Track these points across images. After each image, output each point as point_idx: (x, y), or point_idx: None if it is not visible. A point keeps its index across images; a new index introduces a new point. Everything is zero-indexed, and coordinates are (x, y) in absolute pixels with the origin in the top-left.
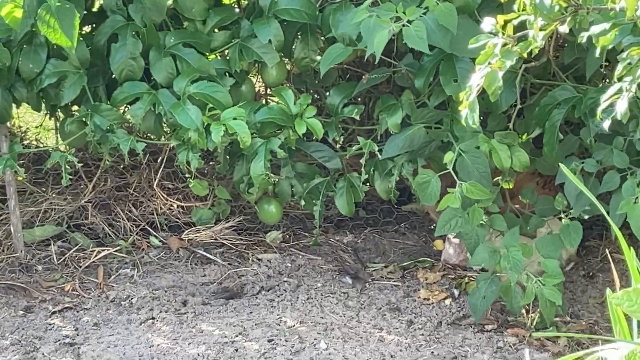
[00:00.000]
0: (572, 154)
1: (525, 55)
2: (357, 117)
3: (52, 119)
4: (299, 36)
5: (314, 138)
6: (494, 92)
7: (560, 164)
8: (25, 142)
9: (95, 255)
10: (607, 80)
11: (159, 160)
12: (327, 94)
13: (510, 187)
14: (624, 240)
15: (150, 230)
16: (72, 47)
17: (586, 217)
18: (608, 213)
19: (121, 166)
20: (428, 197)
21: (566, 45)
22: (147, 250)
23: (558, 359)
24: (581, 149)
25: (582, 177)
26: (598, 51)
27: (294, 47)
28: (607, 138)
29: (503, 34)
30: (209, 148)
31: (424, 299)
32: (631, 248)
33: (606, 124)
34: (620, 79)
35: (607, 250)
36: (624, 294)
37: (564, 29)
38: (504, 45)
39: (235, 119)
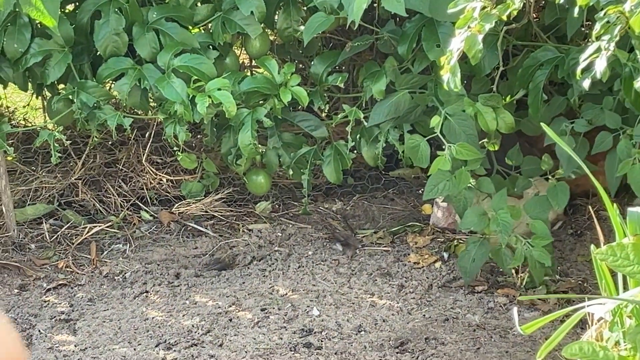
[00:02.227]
0: (560, 114)
1: (504, 18)
2: (342, 85)
3: (39, 98)
4: (281, 7)
5: (299, 108)
6: (475, 56)
7: (542, 124)
8: (14, 122)
9: (87, 232)
10: (589, 40)
11: (146, 135)
12: (311, 63)
13: (496, 149)
14: (607, 198)
15: (141, 205)
16: (55, 25)
17: (574, 177)
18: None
19: (109, 142)
20: (419, 161)
21: (546, 5)
22: (139, 225)
23: (546, 317)
24: (568, 109)
25: (572, 138)
26: (577, 10)
27: (276, 17)
28: (595, 97)
29: None
30: (195, 120)
31: (414, 263)
32: (614, 204)
33: (586, 83)
34: (598, 38)
35: (592, 208)
36: (608, 249)
37: None
38: (483, 8)
39: (220, 89)
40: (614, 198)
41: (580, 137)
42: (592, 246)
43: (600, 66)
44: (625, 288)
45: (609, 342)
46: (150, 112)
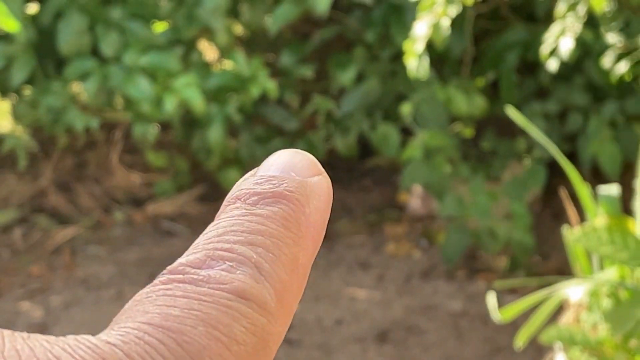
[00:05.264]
0: (530, 95)
1: (470, 2)
2: (311, 76)
3: (5, 101)
4: None
5: (270, 100)
6: (442, 41)
7: (509, 109)
8: None
9: (60, 236)
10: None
11: (116, 135)
12: (280, 55)
13: (472, 134)
14: (577, 178)
15: (113, 206)
16: (19, 30)
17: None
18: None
19: (79, 144)
20: (388, 149)
21: None
22: (112, 227)
23: (522, 300)
24: (538, 90)
25: (545, 118)
26: None
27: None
28: (566, 76)
29: None
30: (164, 118)
31: (393, 252)
32: (587, 184)
33: (552, 66)
34: (562, 18)
35: (564, 189)
36: (581, 231)
37: None
38: None
39: (187, 86)
40: (589, 176)
41: (552, 117)
42: (565, 228)
43: (566, 47)
44: (603, 269)
45: (587, 324)
46: (117, 111)
